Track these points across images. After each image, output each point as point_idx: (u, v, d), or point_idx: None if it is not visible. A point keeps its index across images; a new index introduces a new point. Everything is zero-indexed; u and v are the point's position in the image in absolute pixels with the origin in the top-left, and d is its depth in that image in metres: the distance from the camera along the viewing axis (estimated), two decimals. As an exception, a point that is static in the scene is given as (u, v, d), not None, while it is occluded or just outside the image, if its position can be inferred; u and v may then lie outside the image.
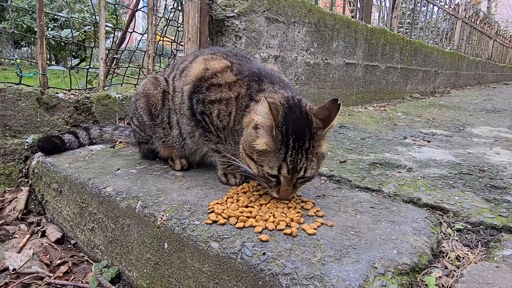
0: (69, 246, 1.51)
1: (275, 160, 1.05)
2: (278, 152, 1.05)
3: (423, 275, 0.86)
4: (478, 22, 9.35)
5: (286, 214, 1.06)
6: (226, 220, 1.03)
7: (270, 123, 1.03)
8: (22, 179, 1.76)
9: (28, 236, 1.50)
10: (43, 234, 1.55)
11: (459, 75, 8.11)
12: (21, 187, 1.73)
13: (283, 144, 1.04)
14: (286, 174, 1.05)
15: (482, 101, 5.32)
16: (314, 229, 0.98)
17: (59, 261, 1.38)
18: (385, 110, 3.93)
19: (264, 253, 0.88)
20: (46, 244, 1.48)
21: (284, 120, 1.06)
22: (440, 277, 0.85)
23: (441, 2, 6.82)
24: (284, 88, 1.23)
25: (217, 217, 1.04)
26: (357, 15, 4.45)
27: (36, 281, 1.26)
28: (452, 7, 7.62)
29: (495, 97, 6.12)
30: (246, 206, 1.10)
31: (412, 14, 6.08)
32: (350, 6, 4.60)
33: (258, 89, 1.22)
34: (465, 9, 8.08)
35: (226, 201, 1.14)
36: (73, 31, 2.22)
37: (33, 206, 1.71)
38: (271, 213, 1.06)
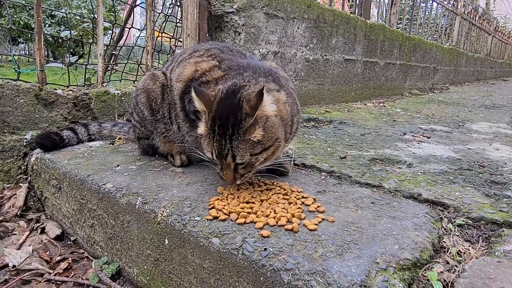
0: (68, 242, 1.51)
1: (208, 144, 1.11)
2: (209, 137, 1.10)
3: (425, 270, 0.86)
4: (477, 18, 9.33)
5: (287, 210, 1.05)
6: (227, 216, 1.02)
7: (203, 108, 1.10)
8: (21, 175, 1.75)
9: (27, 232, 1.50)
10: (43, 231, 1.54)
11: (458, 72, 8.10)
12: (20, 184, 1.73)
13: (211, 129, 1.09)
14: (215, 159, 1.11)
15: (481, 97, 5.32)
16: (315, 224, 0.98)
17: (59, 258, 1.38)
18: (384, 106, 3.93)
19: (265, 249, 0.87)
20: (46, 240, 1.47)
21: (216, 106, 1.09)
22: (441, 272, 0.85)
23: (440, -2, 6.81)
24: (266, 76, 1.23)
25: (217, 213, 1.03)
26: (356, 11, 4.44)
27: (36, 278, 1.26)
28: (451, 3, 7.60)
29: (494, 93, 6.12)
30: (247, 202, 1.09)
31: (411, 10, 6.06)
32: (349, 1, 4.59)
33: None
34: (464, 5, 8.06)
35: (226, 197, 1.13)
36: (71, 30, 2.21)
37: (32, 203, 1.70)
38: (272, 209, 1.06)
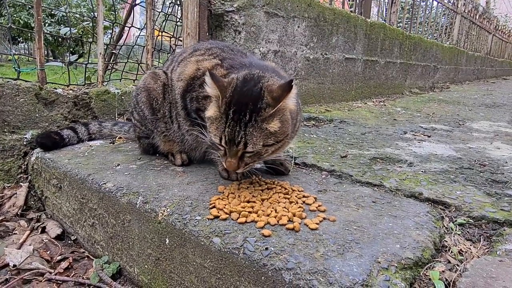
0: (69, 242, 1.50)
1: (218, 129, 1.08)
2: (220, 121, 1.08)
3: (427, 269, 0.86)
4: (477, 17, 9.32)
5: (288, 209, 1.05)
6: (228, 215, 1.02)
7: (217, 93, 1.08)
8: (21, 175, 1.75)
9: (28, 232, 1.49)
10: (43, 230, 1.54)
11: (458, 70, 8.10)
12: (21, 183, 1.72)
13: (224, 114, 1.06)
14: (224, 144, 1.08)
15: (481, 96, 5.32)
16: (317, 224, 0.98)
17: (59, 257, 1.38)
18: (385, 105, 3.92)
19: (266, 248, 0.87)
20: (46, 240, 1.47)
21: (232, 92, 1.07)
22: (443, 271, 0.85)
23: (441, -4, 6.80)
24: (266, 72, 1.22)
25: (218, 212, 1.03)
26: (356, 10, 4.43)
27: (36, 277, 1.26)
28: (452, 2, 7.59)
29: (494, 92, 6.12)
30: (248, 201, 1.09)
31: (411, 9, 6.05)
32: (349, 0, 4.58)
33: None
34: (464, 3, 8.05)
35: (227, 196, 1.13)
36: (71, 28, 2.20)
37: (32, 202, 1.70)
38: (273, 208, 1.06)
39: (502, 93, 6.05)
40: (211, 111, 1.11)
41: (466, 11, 8.29)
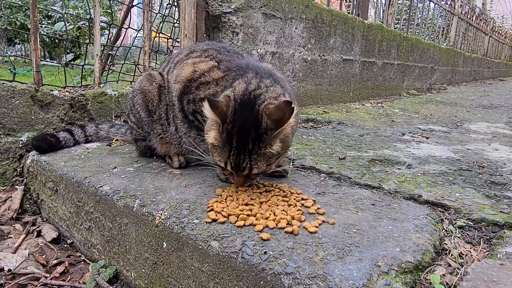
0: (65, 245, 1.49)
1: (222, 155, 1.08)
2: (223, 149, 1.07)
3: (427, 273, 0.85)
4: (474, 19, 9.35)
5: (287, 212, 1.04)
6: (226, 219, 1.01)
7: (216, 119, 1.06)
8: (17, 178, 1.73)
9: (23, 236, 1.48)
10: (39, 234, 1.52)
11: (455, 72, 8.12)
12: (16, 186, 1.71)
13: (227, 142, 1.06)
14: (230, 170, 1.09)
15: (478, 97, 5.33)
16: (316, 227, 0.97)
17: (55, 261, 1.36)
18: (383, 106, 3.92)
19: (265, 252, 0.86)
20: (42, 244, 1.45)
21: (232, 118, 1.06)
22: (444, 275, 0.84)
23: (437, -2, 6.82)
24: (264, 79, 1.20)
25: (216, 215, 1.02)
26: (353, 11, 4.43)
27: (32, 282, 1.24)
28: (449, 3, 7.61)
29: (492, 93, 6.14)
30: (246, 204, 1.08)
31: (409, 10, 6.06)
32: (346, 2, 4.58)
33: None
34: (461, 5, 8.08)
35: (225, 199, 1.12)
36: (67, 25, 2.19)
37: (28, 206, 1.68)
38: (271, 211, 1.04)
39: (499, 94, 6.07)
40: (211, 138, 1.09)
41: (463, 13, 8.32)
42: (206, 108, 1.06)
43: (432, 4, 6.99)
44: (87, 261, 1.37)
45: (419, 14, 6.82)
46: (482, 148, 2.07)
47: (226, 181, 1.30)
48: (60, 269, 1.31)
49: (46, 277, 1.26)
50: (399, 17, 5.76)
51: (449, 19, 8.03)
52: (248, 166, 1.07)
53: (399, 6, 5.60)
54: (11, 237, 1.47)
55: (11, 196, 1.66)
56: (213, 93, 1.25)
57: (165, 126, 1.45)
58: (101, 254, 1.32)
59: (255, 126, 1.05)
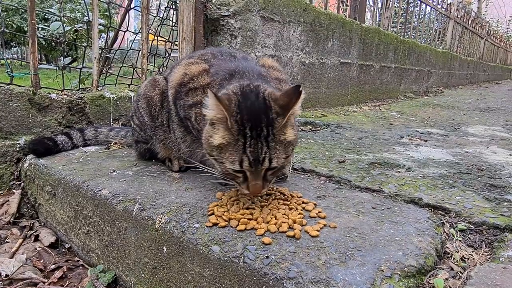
0: (63, 250, 1.47)
1: (234, 153, 0.97)
2: (236, 144, 0.97)
3: (430, 277, 0.85)
4: (469, 22, 9.43)
5: (288, 216, 1.03)
6: (227, 223, 1.00)
7: (223, 114, 0.96)
8: (14, 181, 1.72)
9: (20, 240, 1.46)
10: (36, 238, 1.51)
11: (451, 75, 8.17)
12: (13, 190, 1.69)
13: (240, 134, 0.96)
14: (248, 167, 0.97)
15: (475, 100, 5.36)
16: (317, 231, 0.96)
17: (53, 266, 1.34)
18: (380, 109, 3.93)
19: (267, 257, 0.85)
20: (40, 248, 1.44)
21: (238, 109, 0.98)
22: (447, 279, 0.84)
23: (434, 2, 6.86)
24: (252, 80, 1.14)
25: (217, 219, 1.01)
26: (349, 15, 4.45)
27: (29, 287, 1.22)
28: (445, 7, 7.67)
29: (488, 96, 6.17)
30: (247, 208, 1.07)
31: (405, 14, 6.10)
32: (343, 5, 4.60)
33: (227, 85, 1.15)
34: (457, 9, 8.14)
35: (226, 203, 1.11)
36: (64, 28, 2.18)
37: (25, 210, 1.67)
38: (272, 214, 1.04)
39: (495, 97, 6.11)
40: (219, 138, 0.98)
41: (459, 16, 8.38)
42: (211, 102, 0.96)
43: (428, 8, 7.04)
44: (86, 266, 1.36)
45: (416, 17, 6.87)
46: (480, 151, 2.07)
47: (226, 185, 1.29)
48: (58, 274, 1.29)
49: (44, 282, 1.25)
50: (396, 20, 5.79)
51: (445, 22, 8.09)
52: (267, 156, 0.97)
53: (395, 10, 5.63)
54: (8, 242, 1.45)
55: (8, 200, 1.64)
56: (200, 101, 1.20)
57: (167, 133, 1.44)
58: (100, 259, 1.30)
59: (265, 112, 0.98)
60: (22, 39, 8.80)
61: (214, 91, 0.97)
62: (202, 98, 1.19)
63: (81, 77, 2.30)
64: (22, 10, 7.54)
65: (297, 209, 1.09)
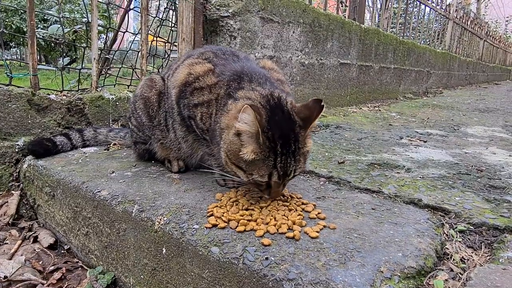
0: (62, 251, 1.47)
1: (265, 168, 1.01)
2: (267, 159, 1.01)
3: (429, 278, 0.85)
4: (469, 23, 9.44)
5: (287, 217, 1.03)
6: (226, 224, 1.00)
7: (256, 130, 0.98)
8: (13, 183, 1.71)
9: (19, 242, 1.46)
10: (35, 240, 1.50)
11: (451, 75, 8.17)
12: (12, 191, 1.69)
13: (271, 151, 1.00)
14: (276, 180, 1.04)
15: (474, 101, 5.36)
16: (317, 232, 0.96)
17: (52, 268, 1.34)
18: (380, 110, 3.93)
19: (266, 258, 0.85)
20: (39, 250, 1.43)
21: (268, 124, 1.01)
22: (447, 280, 0.83)
23: (433, 2, 6.87)
24: (262, 84, 1.18)
25: (216, 220, 1.01)
26: (348, 15, 4.45)
27: (28, 289, 1.22)
28: (444, 8, 7.68)
29: (487, 97, 6.18)
30: (246, 209, 1.07)
31: (404, 15, 6.11)
32: (342, 6, 4.60)
33: (237, 87, 1.17)
34: (456, 9, 8.15)
35: (225, 204, 1.11)
36: (63, 28, 2.17)
37: (24, 211, 1.66)
38: (272, 216, 1.04)
39: (494, 98, 6.11)
40: (250, 153, 1.00)
41: (458, 17, 8.39)
42: (248, 118, 0.97)
43: (427, 9, 7.05)
44: (85, 267, 1.36)
45: (415, 18, 6.87)
46: (479, 151, 2.07)
47: (225, 186, 1.29)
48: (57, 275, 1.29)
49: (43, 284, 1.24)
50: (395, 21, 5.79)
51: (445, 23, 8.10)
52: (293, 169, 1.04)
53: (394, 11, 5.64)
54: (7, 243, 1.45)
55: (7, 201, 1.63)
56: (207, 100, 1.23)
57: (164, 132, 1.44)
58: (99, 260, 1.30)
59: (292, 128, 1.04)
60: (21, 40, 8.79)
61: (235, 95, 1.10)
62: (209, 98, 1.22)
63: (80, 78, 2.30)
64: (21, 11, 7.53)
65: (296, 210, 1.09)
